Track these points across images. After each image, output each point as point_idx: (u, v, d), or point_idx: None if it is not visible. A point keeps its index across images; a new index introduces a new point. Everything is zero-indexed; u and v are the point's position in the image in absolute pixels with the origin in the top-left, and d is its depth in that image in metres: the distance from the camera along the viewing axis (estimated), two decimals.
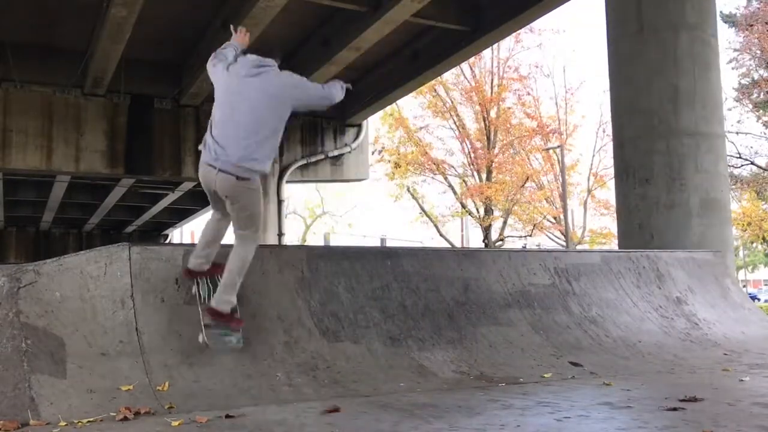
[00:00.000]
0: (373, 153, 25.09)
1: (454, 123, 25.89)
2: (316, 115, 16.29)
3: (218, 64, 4.09)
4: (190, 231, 39.01)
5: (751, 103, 26.29)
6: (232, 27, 4.46)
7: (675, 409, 3.26)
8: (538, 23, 26.94)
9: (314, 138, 16.52)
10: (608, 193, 26.78)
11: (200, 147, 3.88)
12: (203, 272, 3.99)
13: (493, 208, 26.09)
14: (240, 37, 4.33)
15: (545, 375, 4.43)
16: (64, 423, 3.05)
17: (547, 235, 28.24)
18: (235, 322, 3.89)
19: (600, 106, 27.68)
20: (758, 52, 25.50)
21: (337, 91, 4.21)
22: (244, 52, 4.16)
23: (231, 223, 3.97)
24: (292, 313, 4.25)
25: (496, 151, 25.75)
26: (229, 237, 4.09)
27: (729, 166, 19.21)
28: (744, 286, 33.35)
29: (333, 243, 32.16)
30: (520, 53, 41.40)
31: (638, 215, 7.84)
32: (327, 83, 4.26)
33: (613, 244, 23.36)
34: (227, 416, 3.18)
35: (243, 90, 3.85)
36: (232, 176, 3.69)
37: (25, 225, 28.51)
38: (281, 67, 4.05)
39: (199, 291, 3.95)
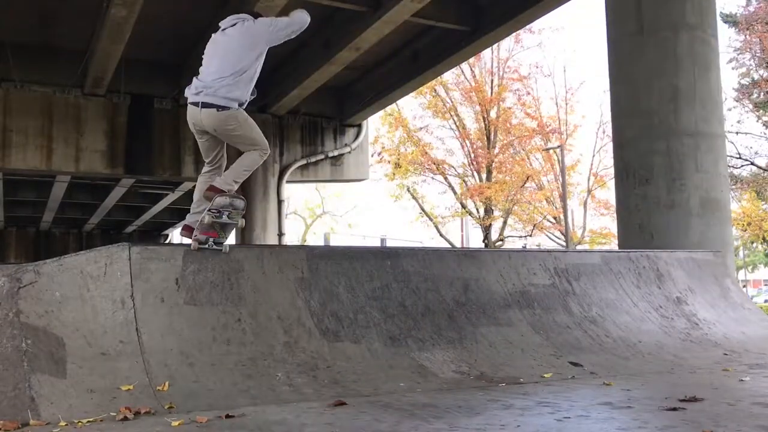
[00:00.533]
0: (372, 155, 25.11)
1: (454, 123, 25.91)
2: (315, 115, 16.29)
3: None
4: None
5: (751, 103, 26.30)
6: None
7: (675, 409, 3.26)
8: (538, 23, 26.97)
9: (314, 138, 16.52)
10: (608, 193, 26.81)
11: (185, 92, 4.39)
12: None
13: (493, 208, 26.10)
14: None
15: (545, 375, 4.43)
16: (64, 423, 3.05)
17: (547, 235, 28.26)
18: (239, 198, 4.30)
19: (600, 106, 27.74)
20: (758, 51, 25.49)
21: (303, 15, 4.73)
22: None
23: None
24: (292, 313, 4.25)
25: (496, 151, 25.76)
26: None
27: (729, 166, 19.23)
28: (744, 286, 33.36)
29: (333, 243, 32.16)
30: (520, 53, 41.49)
31: (638, 215, 7.84)
32: (291, 13, 4.75)
33: (613, 244, 23.36)
34: (227, 416, 3.18)
35: (221, 39, 4.46)
36: (214, 107, 4.19)
37: (26, 225, 28.52)
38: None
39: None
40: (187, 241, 4.35)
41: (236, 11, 11.67)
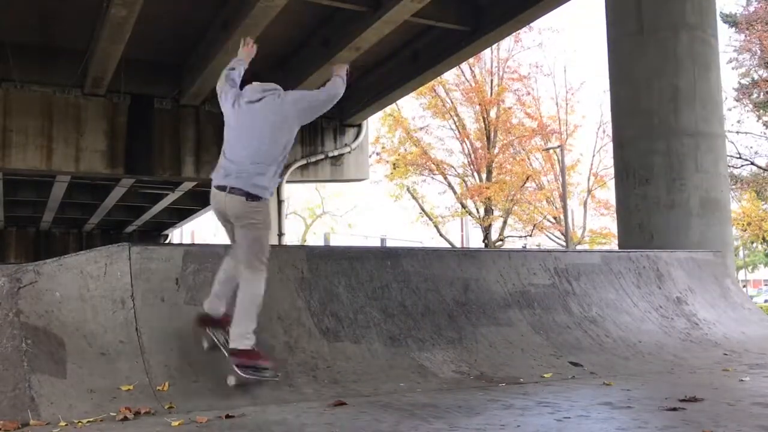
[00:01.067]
0: (371, 155, 25.11)
1: (454, 123, 25.90)
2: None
3: (228, 91, 4.10)
4: (191, 231, 39.01)
5: (751, 103, 26.29)
6: (242, 40, 4.44)
7: (675, 409, 3.26)
8: (538, 23, 26.96)
9: (314, 138, 16.52)
10: (608, 193, 26.80)
11: (212, 175, 3.87)
12: (217, 321, 3.77)
13: (493, 208, 26.09)
14: (247, 49, 4.36)
15: (545, 375, 4.43)
16: (64, 423, 3.05)
17: (547, 235, 28.25)
18: (262, 358, 3.62)
19: (600, 106, 27.72)
20: (758, 51, 25.50)
21: (338, 86, 4.20)
22: (252, 63, 4.34)
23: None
24: (292, 313, 4.25)
25: (496, 151, 25.75)
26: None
27: (729, 166, 19.24)
28: (744, 286, 33.35)
29: (333, 243, 32.15)
30: (519, 53, 41.47)
31: (638, 215, 7.84)
32: (325, 84, 4.25)
33: (613, 244, 23.35)
34: (227, 416, 3.18)
35: (249, 115, 3.90)
36: (242, 195, 3.67)
37: (26, 225, 28.51)
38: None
39: (215, 337, 3.74)
40: (187, 241, 4.30)
41: (236, 11, 11.57)
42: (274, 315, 4.18)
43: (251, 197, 3.68)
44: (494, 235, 26.65)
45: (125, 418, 3.13)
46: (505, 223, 27.03)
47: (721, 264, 6.85)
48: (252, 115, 3.89)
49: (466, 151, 26.13)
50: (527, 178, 26.14)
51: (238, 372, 3.50)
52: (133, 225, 28.62)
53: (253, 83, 4.07)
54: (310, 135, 16.48)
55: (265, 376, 3.58)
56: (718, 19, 11.86)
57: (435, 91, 25.08)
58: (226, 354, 3.61)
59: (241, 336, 3.58)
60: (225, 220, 3.81)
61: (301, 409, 3.38)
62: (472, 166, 26.16)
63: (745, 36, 25.77)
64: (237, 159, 3.77)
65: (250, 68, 4.39)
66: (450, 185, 26.74)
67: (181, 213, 27.11)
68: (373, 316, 4.51)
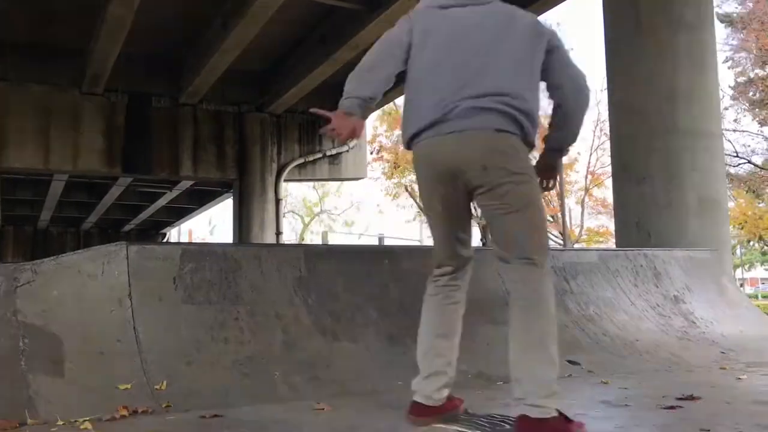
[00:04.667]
0: (372, 152, 25.11)
1: None
2: (313, 114, 16.26)
3: (403, 23, 2.82)
4: (188, 229, 39.01)
5: (748, 102, 26.34)
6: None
7: (672, 407, 3.27)
8: None
9: (312, 137, 16.52)
10: (606, 192, 26.88)
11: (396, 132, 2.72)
12: (441, 408, 2.58)
13: None
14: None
15: None
16: (62, 422, 3.04)
17: None
18: (575, 425, 2.32)
19: (598, 104, 27.63)
20: (754, 50, 25.53)
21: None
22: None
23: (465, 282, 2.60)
24: (290, 312, 4.25)
25: None
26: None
27: (726, 164, 19.25)
28: (741, 285, 33.41)
29: (331, 242, 32.14)
30: None
31: (636, 214, 7.85)
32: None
33: (611, 243, 23.39)
34: (225, 415, 3.18)
35: (470, 21, 2.49)
36: (487, 129, 2.27)
37: (23, 224, 28.51)
38: None
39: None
40: (185, 240, 4.30)
41: (235, 9, 11.61)
42: (272, 314, 4.18)
43: (503, 131, 2.31)
44: None
45: (123, 417, 3.13)
46: None
47: (719, 262, 6.86)
48: (486, 22, 2.49)
49: None
50: None
51: None
52: (131, 224, 28.63)
53: None
54: (308, 133, 16.48)
55: None
56: (715, 18, 11.86)
57: None
58: None
59: (540, 390, 2.25)
60: (445, 184, 2.43)
61: (299, 407, 3.38)
62: None
63: (742, 35, 25.80)
64: (463, 78, 2.41)
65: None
66: None
67: (179, 212, 27.12)
68: (371, 315, 4.52)
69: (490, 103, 2.25)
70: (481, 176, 2.23)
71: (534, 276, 2.35)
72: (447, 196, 2.37)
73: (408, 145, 2.50)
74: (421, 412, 2.50)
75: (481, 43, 2.42)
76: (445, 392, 2.53)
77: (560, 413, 2.23)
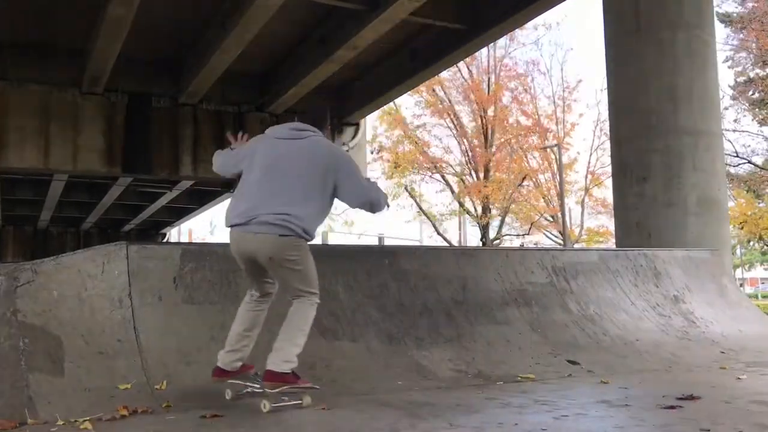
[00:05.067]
0: (372, 152, 25.09)
1: (452, 122, 25.90)
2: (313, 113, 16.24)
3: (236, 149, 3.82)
4: (188, 229, 39.01)
5: (748, 102, 26.34)
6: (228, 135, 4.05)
7: (672, 407, 3.27)
8: (537, 21, 26.94)
9: None
10: (606, 192, 26.86)
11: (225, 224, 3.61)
12: (236, 372, 3.48)
13: (490, 206, 26.11)
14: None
15: (543, 373, 4.43)
16: (62, 422, 3.04)
17: (544, 234, 28.29)
18: (301, 381, 3.38)
19: (598, 104, 27.62)
20: (754, 50, 25.53)
21: (380, 201, 3.67)
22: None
23: (269, 298, 3.61)
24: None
25: (493, 149, 25.76)
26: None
27: (726, 164, 19.25)
28: (741, 285, 33.42)
29: (331, 242, 32.14)
30: (517, 50, 41.47)
31: (636, 214, 7.85)
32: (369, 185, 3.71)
33: (611, 243, 23.39)
34: (225, 415, 3.18)
35: (286, 151, 3.55)
36: (273, 234, 3.35)
37: (23, 224, 28.49)
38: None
39: (243, 385, 3.50)
40: (185, 239, 4.32)
41: (234, 9, 11.56)
42: (272, 314, 4.17)
43: (285, 235, 3.37)
44: (492, 233, 26.68)
45: (123, 417, 3.13)
46: (502, 221, 27.07)
47: (719, 262, 6.86)
48: (290, 152, 3.54)
49: (464, 150, 26.15)
50: (525, 177, 26.16)
51: (274, 395, 3.28)
52: (131, 224, 28.60)
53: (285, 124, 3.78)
54: None
55: (305, 397, 3.37)
56: (715, 17, 11.87)
57: (433, 89, 25.08)
58: (259, 388, 3.35)
59: (283, 360, 3.33)
60: (250, 260, 3.50)
61: (299, 407, 3.38)
62: (469, 165, 26.18)
63: (742, 35, 25.81)
64: (263, 198, 3.45)
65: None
66: (448, 184, 26.76)
67: (179, 212, 27.10)
68: (371, 315, 4.52)
69: (275, 220, 3.39)
70: (268, 262, 3.44)
71: (304, 304, 3.51)
72: (248, 265, 3.55)
73: (228, 226, 3.55)
74: (220, 374, 3.48)
75: (284, 172, 3.51)
76: (239, 364, 3.49)
77: (293, 372, 3.36)
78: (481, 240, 26.47)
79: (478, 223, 26.72)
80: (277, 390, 3.27)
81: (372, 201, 3.63)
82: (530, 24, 24.44)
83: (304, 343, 3.46)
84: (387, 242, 30.98)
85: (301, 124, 3.71)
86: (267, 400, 3.25)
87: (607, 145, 18.75)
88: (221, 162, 3.91)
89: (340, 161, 3.60)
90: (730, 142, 25.31)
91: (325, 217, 3.68)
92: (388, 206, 3.78)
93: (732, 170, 25.67)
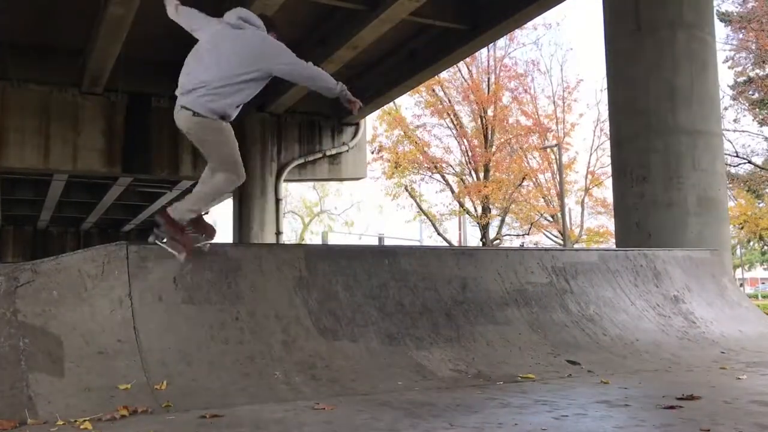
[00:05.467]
0: (372, 152, 25.09)
1: (452, 122, 25.91)
2: (313, 113, 16.28)
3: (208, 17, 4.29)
4: None
5: (748, 102, 26.35)
6: None
7: (672, 407, 3.27)
8: (537, 20, 26.92)
9: (312, 137, 16.52)
10: (605, 192, 26.88)
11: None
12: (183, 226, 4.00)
13: (490, 206, 26.12)
14: None
15: (543, 373, 4.43)
16: (62, 422, 3.04)
17: (544, 234, 28.30)
18: (184, 237, 3.95)
19: (598, 104, 27.64)
20: (754, 50, 25.53)
21: (328, 80, 4.21)
22: None
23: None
24: (290, 312, 4.25)
25: (493, 149, 25.76)
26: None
27: (726, 164, 19.27)
28: (741, 285, 33.43)
29: (331, 242, 32.15)
30: (516, 50, 41.49)
31: (636, 214, 7.85)
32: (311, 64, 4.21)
33: (611, 243, 23.40)
34: (225, 415, 3.18)
35: (221, 36, 4.03)
36: (189, 111, 3.91)
37: (23, 224, 28.50)
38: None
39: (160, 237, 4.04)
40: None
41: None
42: (271, 314, 4.18)
43: (198, 115, 3.91)
44: (492, 233, 26.68)
45: (123, 417, 3.13)
46: (502, 221, 27.08)
47: (719, 262, 6.86)
48: (223, 39, 4.02)
49: (464, 150, 26.15)
50: (524, 177, 26.16)
51: (156, 233, 3.93)
52: (131, 224, 28.61)
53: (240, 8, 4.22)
54: (308, 133, 16.49)
55: (172, 250, 3.92)
56: (715, 17, 11.88)
57: (433, 89, 25.08)
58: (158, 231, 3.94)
59: (184, 210, 3.95)
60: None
61: (299, 407, 3.38)
62: (469, 165, 26.18)
63: (742, 34, 25.81)
64: (191, 76, 3.98)
65: None
66: (448, 184, 26.77)
67: None
68: (371, 315, 4.52)
69: (188, 99, 3.94)
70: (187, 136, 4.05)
71: (217, 174, 3.99)
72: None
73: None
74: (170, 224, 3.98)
75: (213, 53, 3.97)
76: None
77: (183, 224, 3.97)
78: (481, 240, 26.48)
79: (478, 223, 26.72)
80: (162, 228, 3.91)
81: (312, 76, 4.14)
82: (530, 24, 24.38)
83: (199, 207, 4.05)
84: (387, 242, 31.01)
85: (251, 15, 4.15)
86: (152, 235, 3.98)
87: (607, 145, 18.76)
88: (183, 13, 4.49)
89: (275, 48, 4.05)
90: (730, 142, 25.36)
91: (244, 100, 4.08)
92: (339, 87, 4.18)
93: (732, 170, 25.69)
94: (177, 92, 4.07)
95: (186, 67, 4.07)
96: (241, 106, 4.11)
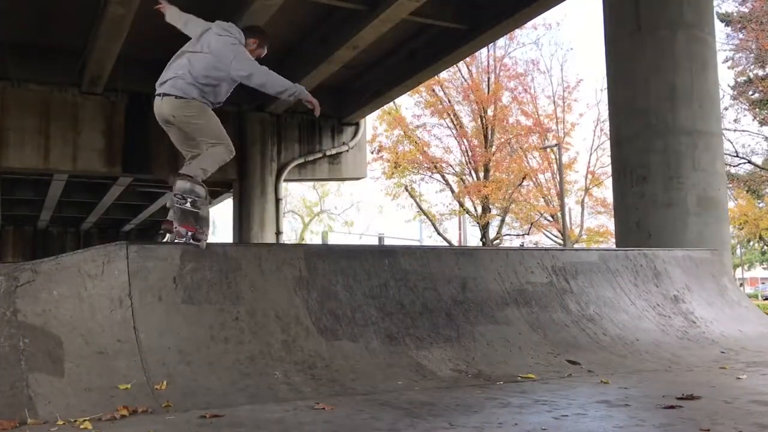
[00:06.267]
0: (372, 152, 25.09)
1: (452, 122, 25.90)
2: (313, 113, 16.26)
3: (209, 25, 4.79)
4: None
5: (748, 102, 26.34)
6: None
7: (672, 407, 3.27)
8: (536, 20, 26.91)
9: (312, 137, 16.51)
10: (605, 192, 26.88)
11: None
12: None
13: (490, 206, 26.11)
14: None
15: (543, 373, 4.43)
16: (62, 422, 3.04)
17: (544, 234, 28.30)
18: (202, 194, 4.36)
19: (598, 104, 27.63)
20: (754, 50, 25.53)
21: (277, 82, 4.61)
22: None
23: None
24: (290, 312, 4.25)
25: (493, 149, 25.76)
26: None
27: (726, 164, 19.27)
28: (741, 285, 33.43)
29: (331, 241, 32.15)
30: (516, 50, 41.50)
31: (636, 213, 7.86)
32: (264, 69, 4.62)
33: (611, 243, 23.40)
34: (225, 415, 3.18)
35: (205, 39, 4.63)
36: (170, 95, 4.38)
37: (23, 224, 28.50)
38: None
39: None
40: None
41: (234, 10, 11.56)
42: (272, 314, 4.18)
43: (179, 97, 4.39)
44: (492, 233, 26.68)
45: (123, 417, 3.13)
46: (502, 221, 27.07)
47: (718, 262, 6.86)
48: (203, 43, 4.59)
49: (464, 149, 26.15)
50: (524, 177, 26.16)
51: (175, 193, 4.30)
52: (131, 224, 28.61)
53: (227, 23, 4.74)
54: (308, 133, 16.48)
55: (191, 208, 4.28)
56: (715, 17, 11.88)
57: (433, 89, 25.08)
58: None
59: (197, 168, 4.39)
60: (165, 123, 4.53)
61: (299, 407, 3.38)
62: (469, 165, 26.18)
63: (742, 34, 25.81)
64: (170, 69, 4.56)
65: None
66: (447, 183, 26.76)
67: None
68: (371, 315, 4.52)
69: (168, 86, 4.47)
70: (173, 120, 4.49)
71: (211, 149, 4.49)
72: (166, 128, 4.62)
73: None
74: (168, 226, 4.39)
75: (192, 52, 4.61)
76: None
77: (201, 182, 4.43)
78: (481, 240, 26.47)
79: (478, 222, 26.71)
80: (179, 188, 4.28)
81: (263, 83, 4.54)
82: (530, 24, 24.37)
83: (209, 168, 4.47)
84: (387, 242, 31.01)
85: (233, 27, 4.72)
86: (171, 198, 4.35)
87: (607, 145, 18.77)
88: (180, 18, 5.12)
89: (233, 54, 4.51)
90: (730, 142, 25.36)
91: (219, 97, 4.60)
92: (295, 89, 4.70)
93: (732, 170, 25.69)
94: (156, 85, 4.52)
95: (168, 64, 4.62)
96: (219, 99, 4.62)
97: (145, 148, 14.31)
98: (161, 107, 4.46)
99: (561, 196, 25.04)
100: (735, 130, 26.29)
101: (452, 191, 26.76)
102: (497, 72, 25.89)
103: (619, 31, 8.31)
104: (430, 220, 28.08)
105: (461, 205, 27.00)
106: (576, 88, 28.03)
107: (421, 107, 26.06)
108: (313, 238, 41.16)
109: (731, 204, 25.85)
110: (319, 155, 16.57)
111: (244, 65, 4.51)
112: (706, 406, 3.31)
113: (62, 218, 27.04)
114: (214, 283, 4.12)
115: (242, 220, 15.92)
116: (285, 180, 16.45)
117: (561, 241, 25.76)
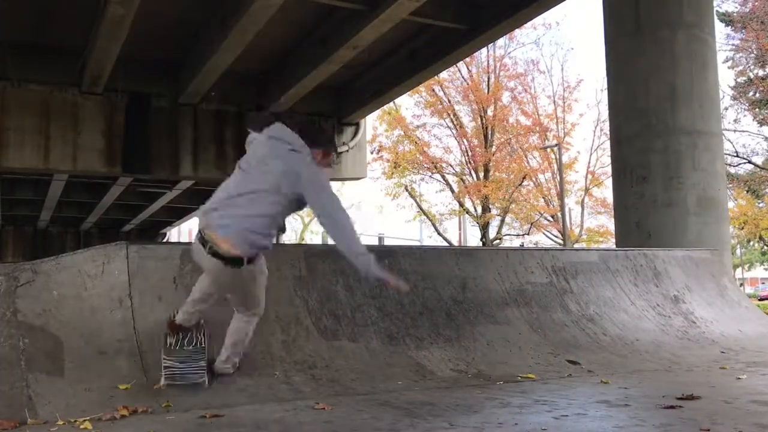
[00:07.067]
0: (372, 152, 25.07)
1: (452, 122, 25.89)
2: (313, 114, 16.27)
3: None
4: (188, 229, 38.99)
5: (748, 102, 26.33)
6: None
7: (672, 407, 3.27)
8: (536, 20, 26.93)
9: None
10: (606, 192, 26.86)
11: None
12: (189, 328, 3.55)
13: (490, 206, 26.10)
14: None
15: (543, 373, 4.43)
16: (62, 422, 3.04)
17: (544, 234, 28.28)
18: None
19: (598, 104, 27.62)
20: (754, 50, 25.53)
21: (356, 247, 3.46)
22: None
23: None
24: (290, 312, 4.25)
25: (493, 149, 25.75)
26: None
27: (726, 164, 19.26)
28: (741, 285, 33.42)
29: (331, 242, 32.04)
30: (516, 50, 41.47)
31: (636, 214, 7.86)
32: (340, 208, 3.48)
33: (611, 243, 23.39)
34: (225, 415, 3.18)
35: (260, 162, 3.43)
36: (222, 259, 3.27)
37: (23, 224, 28.49)
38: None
39: (169, 341, 3.52)
40: (185, 240, 4.32)
41: (234, 10, 11.54)
42: (272, 314, 4.18)
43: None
44: (492, 233, 26.66)
45: (123, 417, 3.13)
46: (502, 221, 27.05)
47: (718, 262, 6.86)
48: (260, 165, 3.44)
49: (464, 149, 26.14)
50: (524, 177, 26.15)
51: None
52: (131, 224, 28.59)
53: (283, 128, 3.55)
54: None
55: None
56: (715, 17, 11.88)
57: (433, 89, 25.07)
58: (162, 353, 3.48)
59: (227, 363, 3.61)
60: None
61: (299, 407, 3.38)
62: (469, 165, 26.16)
63: (742, 34, 25.81)
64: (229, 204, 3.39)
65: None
66: (447, 183, 26.75)
67: (179, 212, 27.08)
68: (371, 315, 4.52)
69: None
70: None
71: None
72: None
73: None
74: (173, 328, 3.52)
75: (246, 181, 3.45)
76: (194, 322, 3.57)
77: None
78: (481, 240, 26.46)
79: (478, 222, 26.70)
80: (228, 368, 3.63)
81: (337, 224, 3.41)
82: (530, 24, 24.32)
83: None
84: (387, 242, 31.00)
85: (283, 131, 3.49)
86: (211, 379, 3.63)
87: (607, 145, 18.76)
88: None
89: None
90: (730, 142, 25.33)
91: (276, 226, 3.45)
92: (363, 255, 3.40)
93: (732, 170, 25.66)
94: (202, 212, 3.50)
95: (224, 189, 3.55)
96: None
97: (145, 148, 14.30)
98: (204, 263, 3.47)
99: (561, 196, 25.03)
100: (735, 130, 26.32)
101: (452, 191, 26.74)
102: (497, 72, 25.88)
103: (619, 31, 8.31)
104: (430, 220, 28.06)
105: (461, 205, 26.98)
106: (576, 88, 28.00)
107: (421, 107, 26.05)
108: (313, 238, 41.17)
109: (731, 204, 25.82)
110: None
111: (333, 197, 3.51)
112: (706, 406, 3.31)
113: (62, 218, 27.02)
114: None
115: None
116: None
117: (561, 241, 25.75)
